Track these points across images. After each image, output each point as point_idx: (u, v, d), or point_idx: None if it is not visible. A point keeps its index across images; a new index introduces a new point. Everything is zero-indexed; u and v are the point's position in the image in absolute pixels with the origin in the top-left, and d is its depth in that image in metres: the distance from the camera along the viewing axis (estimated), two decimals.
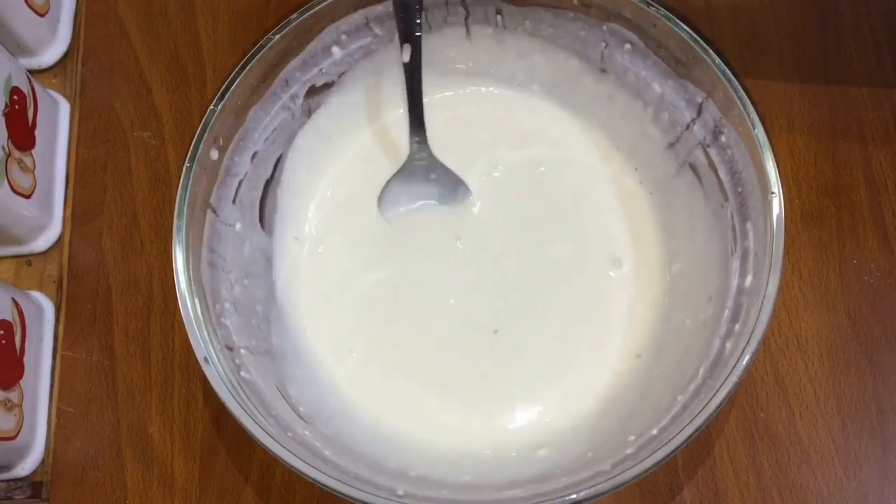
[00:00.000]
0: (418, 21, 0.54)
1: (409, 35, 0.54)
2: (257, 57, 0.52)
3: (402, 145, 0.60)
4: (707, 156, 0.53)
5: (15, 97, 0.57)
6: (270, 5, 0.66)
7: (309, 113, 0.57)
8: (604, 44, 0.55)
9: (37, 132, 0.60)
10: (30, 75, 0.60)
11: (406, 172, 0.58)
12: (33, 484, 0.56)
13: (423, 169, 0.58)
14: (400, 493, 0.46)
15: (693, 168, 0.54)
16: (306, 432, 0.49)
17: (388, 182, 0.58)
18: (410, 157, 0.57)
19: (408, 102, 0.56)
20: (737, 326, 0.48)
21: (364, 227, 0.58)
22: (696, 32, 0.51)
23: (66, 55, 0.65)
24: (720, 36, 0.63)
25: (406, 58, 0.55)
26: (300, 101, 0.56)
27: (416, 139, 0.57)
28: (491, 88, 0.61)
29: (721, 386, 0.45)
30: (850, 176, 0.59)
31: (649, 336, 0.55)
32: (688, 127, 0.54)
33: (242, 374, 0.49)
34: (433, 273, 0.57)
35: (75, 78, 0.65)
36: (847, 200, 0.59)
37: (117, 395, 0.57)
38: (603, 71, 0.56)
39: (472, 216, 0.58)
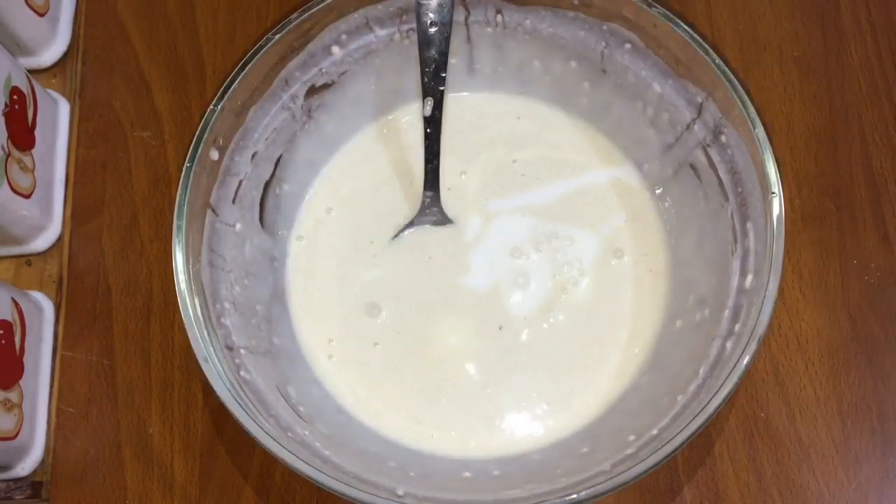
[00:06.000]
0: (443, 75, 0.54)
1: (433, 89, 0.54)
2: (257, 57, 0.52)
3: (403, 146, 0.60)
4: (707, 156, 0.53)
5: (15, 97, 0.57)
6: (270, 5, 0.66)
7: (309, 113, 0.57)
8: (604, 44, 0.55)
9: (36, 132, 0.60)
10: (30, 75, 0.60)
11: (415, 228, 0.58)
12: (33, 484, 0.56)
13: (431, 223, 0.58)
14: (400, 493, 0.46)
15: (693, 168, 0.54)
16: (306, 432, 0.49)
17: (398, 233, 0.58)
18: (421, 211, 0.58)
19: (424, 156, 0.56)
20: (737, 326, 0.48)
21: (364, 226, 0.58)
22: (696, 32, 0.51)
23: (65, 55, 0.65)
24: (720, 36, 0.63)
25: (427, 111, 0.55)
26: (300, 101, 0.56)
27: (430, 194, 0.57)
28: (490, 94, 0.61)
29: (721, 386, 0.45)
30: (850, 176, 0.59)
31: (650, 334, 0.55)
32: (688, 127, 0.54)
33: (242, 374, 0.49)
34: (434, 272, 0.57)
35: (75, 78, 0.65)
36: (847, 200, 0.59)
37: (117, 395, 0.57)
38: (603, 71, 0.56)
39: (472, 218, 0.58)
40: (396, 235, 0.58)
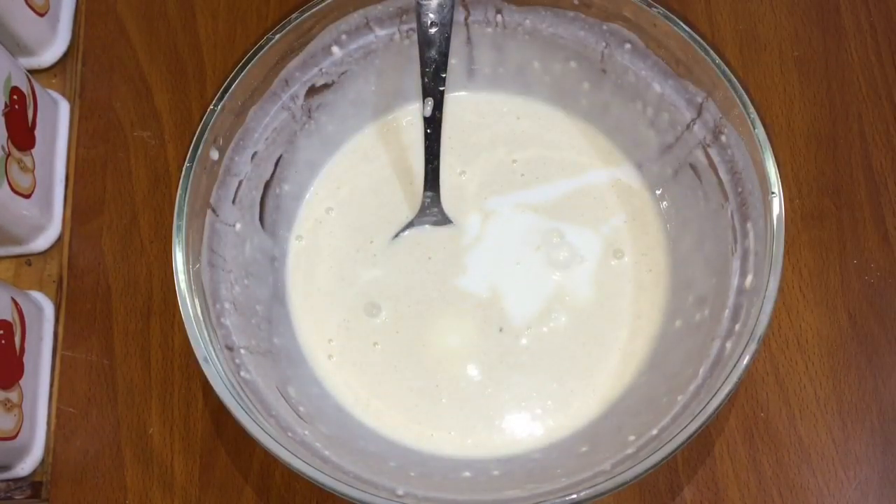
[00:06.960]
0: (443, 75, 0.54)
1: (433, 89, 0.54)
2: (257, 57, 0.52)
3: (403, 146, 0.60)
4: (707, 156, 0.53)
5: (15, 97, 0.57)
6: (270, 5, 0.66)
7: (309, 113, 0.57)
8: (604, 44, 0.55)
9: (36, 132, 0.60)
10: (30, 75, 0.60)
11: (414, 228, 0.58)
12: (33, 484, 0.56)
13: (431, 223, 0.58)
14: (400, 493, 0.46)
15: (693, 168, 0.54)
16: (306, 432, 0.49)
17: (398, 234, 0.58)
18: (421, 211, 0.58)
19: (425, 156, 0.56)
20: (737, 326, 0.48)
21: (364, 226, 0.58)
22: (696, 32, 0.51)
23: (65, 55, 0.65)
24: (720, 36, 0.63)
25: (427, 112, 0.55)
26: (300, 101, 0.56)
27: (430, 194, 0.57)
28: (490, 94, 0.61)
29: (721, 386, 0.45)
30: (850, 176, 0.59)
31: (650, 334, 0.55)
32: (688, 127, 0.54)
33: (242, 374, 0.49)
34: (434, 272, 0.57)
35: (75, 78, 0.65)
36: (847, 200, 0.59)
37: (117, 395, 0.57)
38: (603, 71, 0.56)
39: (472, 218, 0.58)
40: (396, 235, 0.58)
